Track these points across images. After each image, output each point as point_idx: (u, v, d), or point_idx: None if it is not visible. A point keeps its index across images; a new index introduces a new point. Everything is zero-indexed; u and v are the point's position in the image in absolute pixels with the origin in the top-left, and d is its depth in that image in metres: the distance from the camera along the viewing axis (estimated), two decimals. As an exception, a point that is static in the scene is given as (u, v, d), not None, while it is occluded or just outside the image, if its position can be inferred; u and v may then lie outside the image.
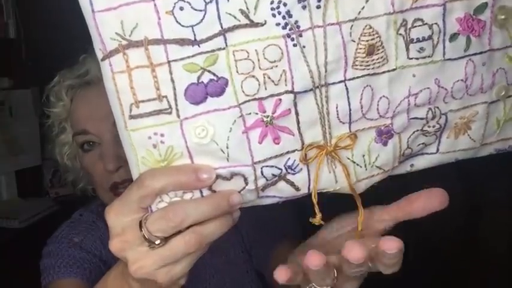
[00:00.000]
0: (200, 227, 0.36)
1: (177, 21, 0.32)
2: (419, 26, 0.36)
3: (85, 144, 0.71)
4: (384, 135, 0.39)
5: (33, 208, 1.70)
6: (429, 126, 0.40)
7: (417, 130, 0.39)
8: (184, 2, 0.32)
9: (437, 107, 0.39)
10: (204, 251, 0.38)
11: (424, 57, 0.37)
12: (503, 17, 0.38)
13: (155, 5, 0.32)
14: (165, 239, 0.35)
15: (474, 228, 1.51)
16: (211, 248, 0.46)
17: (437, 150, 0.41)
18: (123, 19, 0.32)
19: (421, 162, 0.42)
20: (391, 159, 0.39)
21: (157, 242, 0.35)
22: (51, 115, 0.76)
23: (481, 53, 0.38)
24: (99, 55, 0.34)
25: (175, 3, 0.32)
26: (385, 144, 0.39)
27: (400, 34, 0.36)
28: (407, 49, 0.36)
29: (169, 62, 0.33)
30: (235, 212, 0.38)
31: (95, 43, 0.34)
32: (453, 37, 0.37)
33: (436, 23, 0.36)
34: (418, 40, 0.36)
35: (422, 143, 0.40)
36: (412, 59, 0.37)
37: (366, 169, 0.39)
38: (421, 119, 0.39)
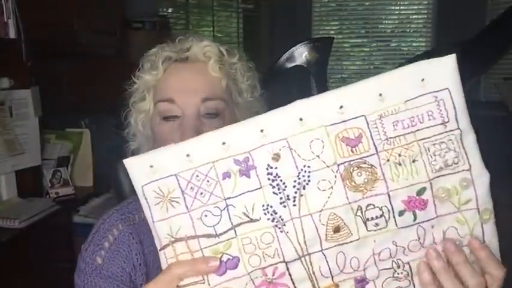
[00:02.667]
0: None
1: (204, 224, 0.50)
2: (372, 209, 0.49)
3: (166, 114, 0.74)
4: (360, 282, 0.52)
5: (33, 208, 1.70)
6: (398, 273, 0.52)
7: (389, 277, 0.52)
8: (207, 211, 0.50)
9: (400, 259, 0.51)
10: None
11: (380, 229, 0.50)
12: (443, 195, 0.49)
13: (190, 215, 0.50)
14: None
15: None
16: None
17: None
18: (171, 225, 0.51)
19: None
20: None
21: None
22: (139, 81, 0.79)
23: (428, 220, 0.50)
24: (158, 247, 0.52)
25: (202, 212, 0.50)
26: None
27: (358, 215, 0.49)
28: (366, 225, 0.50)
29: (201, 249, 0.51)
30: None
31: (155, 239, 0.52)
32: (401, 213, 0.49)
33: (385, 206, 0.49)
34: (372, 218, 0.49)
35: (399, 287, 0.52)
36: (370, 231, 0.50)
37: None
38: (389, 269, 0.51)
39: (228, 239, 0.50)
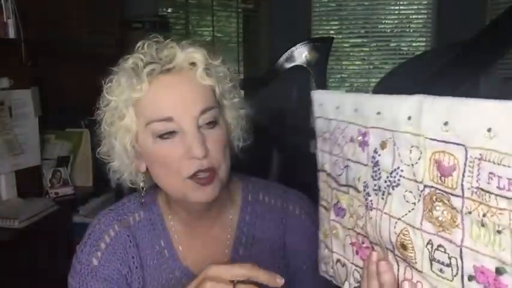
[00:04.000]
0: None
1: (334, 169, 0.58)
2: (442, 251, 0.43)
3: (165, 134, 0.69)
4: None
5: (33, 208, 1.70)
6: None
7: None
8: (337, 160, 0.57)
9: None
10: None
11: (444, 278, 0.43)
12: None
13: (329, 157, 0.59)
14: None
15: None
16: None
17: None
18: (323, 157, 0.61)
19: None
20: None
21: None
22: (117, 98, 0.70)
23: None
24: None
25: (336, 159, 0.57)
26: None
27: (427, 249, 0.44)
28: (431, 263, 0.44)
29: (331, 188, 0.59)
30: None
31: None
32: (471, 278, 0.40)
33: (454, 257, 0.41)
34: (439, 262, 0.43)
35: None
36: (434, 272, 0.44)
37: None
38: None
39: (344, 192, 0.55)
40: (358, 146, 0.51)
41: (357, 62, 4.13)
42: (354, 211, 0.54)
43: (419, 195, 0.44)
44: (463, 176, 0.39)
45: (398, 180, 0.46)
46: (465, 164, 0.39)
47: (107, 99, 0.72)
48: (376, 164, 0.49)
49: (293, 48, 2.43)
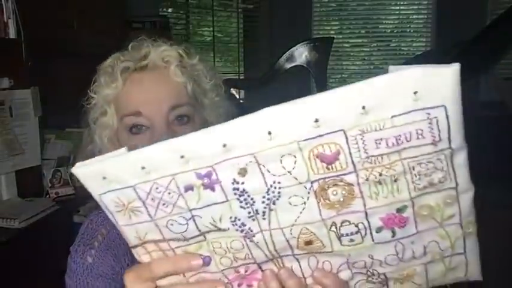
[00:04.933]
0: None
1: (170, 231, 0.48)
2: (347, 225, 0.46)
3: (133, 128, 0.72)
4: None
5: (33, 208, 1.70)
6: (373, 279, 0.50)
7: (362, 279, 0.50)
8: (173, 220, 0.47)
9: (375, 270, 0.49)
10: None
11: (355, 244, 0.47)
12: (425, 213, 0.46)
13: (155, 223, 0.47)
14: None
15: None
16: None
17: None
18: (137, 230, 0.48)
19: None
20: None
21: None
22: (98, 96, 0.75)
23: (408, 236, 0.47)
24: (129, 244, 0.50)
25: (167, 221, 0.47)
26: None
27: (332, 231, 0.46)
28: (340, 240, 0.47)
29: (172, 249, 0.49)
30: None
31: (125, 236, 0.50)
32: (379, 230, 0.46)
33: (361, 222, 0.46)
34: (347, 234, 0.46)
35: None
36: (345, 245, 0.47)
37: None
38: (363, 274, 0.50)
39: (199, 242, 0.48)
40: (204, 190, 0.45)
41: (357, 62, 4.13)
42: (223, 251, 0.49)
43: (308, 193, 0.45)
44: (350, 154, 0.43)
45: (279, 193, 0.45)
46: (348, 144, 0.42)
47: (91, 98, 0.77)
48: (242, 193, 0.45)
49: (293, 48, 2.43)
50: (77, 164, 0.45)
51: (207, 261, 0.49)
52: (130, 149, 0.75)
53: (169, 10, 3.60)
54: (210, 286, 0.50)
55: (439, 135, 0.41)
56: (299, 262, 0.49)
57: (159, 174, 0.45)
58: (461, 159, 0.43)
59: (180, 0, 3.65)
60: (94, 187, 0.46)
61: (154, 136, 0.70)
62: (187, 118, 0.72)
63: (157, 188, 0.45)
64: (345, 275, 0.50)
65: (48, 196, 1.91)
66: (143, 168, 0.44)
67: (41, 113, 1.91)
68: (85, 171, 0.46)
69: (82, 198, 1.98)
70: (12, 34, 1.82)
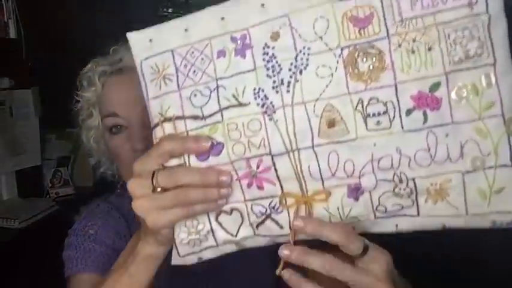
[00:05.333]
0: (190, 189, 0.46)
1: (192, 104, 0.47)
2: (375, 103, 0.43)
3: (113, 128, 0.75)
4: (354, 191, 0.45)
5: (33, 208, 1.70)
6: (400, 189, 0.44)
7: (388, 191, 0.44)
8: (197, 90, 0.47)
9: (403, 172, 0.43)
10: (187, 218, 0.48)
11: (382, 129, 0.43)
12: (462, 93, 0.41)
13: (180, 94, 0.47)
14: (165, 191, 0.46)
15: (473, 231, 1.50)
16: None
17: (418, 213, 0.45)
18: (162, 103, 0.48)
19: (404, 224, 0.46)
20: (364, 212, 0.46)
21: (159, 189, 0.46)
22: (81, 100, 0.80)
23: (441, 125, 0.42)
24: (152, 125, 0.50)
25: (191, 92, 0.47)
26: (356, 199, 0.45)
27: (358, 110, 0.43)
28: (366, 122, 0.43)
29: (187, 131, 0.48)
30: (221, 199, 0.47)
31: (150, 116, 0.50)
32: (409, 112, 0.42)
33: (390, 100, 0.42)
34: (374, 115, 0.43)
35: (399, 204, 0.45)
36: (370, 130, 0.43)
37: (342, 219, 0.46)
38: (389, 181, 0.44)
39: (214, 123, 0.46)
40: (235, 56, 0.46)
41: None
42: (238, 135, 0.46)
43: (337, 62, 0.43)
44: (384, 17, 0.42)
45: (307, 60, 0.44)
46: (382, 7, 0.42)
47: (76, 101, 0.82)
48: (270, 59, 0.45)
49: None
50: (132, 32, 0.50)
51: (218, 150, 0.46)
52: (111, 148, 0.76)
53: (170, 10, 3.60)
54: (214, 172, 0.47)
55: None
56: (318, 159, 0.44)
57: (199, 36, 0.47)
58: (500, 30, 0.41)
59: (180, 0, 3.65)
60: (139, 52, 0.49)
61: (131, 135, 0.73)
62: None
63: (192, 53, 0.47)
64: (368, 181, 0.44)
65: (48, 196, 1.91)
66: (186, 30, 0.47)
67: (41, 113, 1.91)
68: (137, 35, 0.49)
69: (82, 198, 1.98)
70: (12, 34, 1.83)
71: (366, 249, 0.45)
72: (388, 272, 0.45)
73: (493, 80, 0.41)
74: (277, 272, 0.47)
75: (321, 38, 0.43)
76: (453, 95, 0.41)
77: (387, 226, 0.46)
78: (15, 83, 1.83)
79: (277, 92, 0.44)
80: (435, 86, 0.41)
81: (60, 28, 1.89)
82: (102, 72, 0.77)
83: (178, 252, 0.51)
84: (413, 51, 0.41)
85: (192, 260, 0.51)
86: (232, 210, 0.48)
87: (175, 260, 0.51)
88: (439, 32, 0.41)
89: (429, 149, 0.42)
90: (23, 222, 1.60)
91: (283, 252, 0.46)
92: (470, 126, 0.42)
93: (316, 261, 0.45)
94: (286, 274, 0.46)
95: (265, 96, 0.45)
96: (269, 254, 0.50)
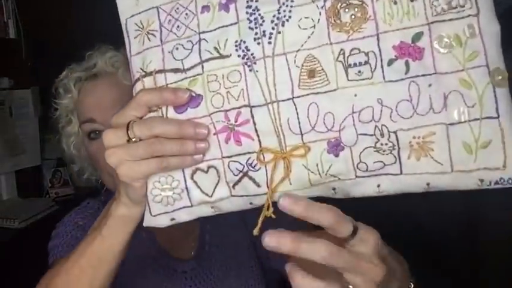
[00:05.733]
0: (165, 140, 0.45)
1: (173, 57, 0.48)
2: (356, 53, 0.42)
3: (91, 133, 0.75)
4: (334, 147, 0.43)
5: (33, 208, 1.70)
6: (381, 144, 0.42)
7: (369, 146, 0.42)
8: (179, 44, 0.47)
9: (384, 125, 0.42)
10: (161, 171, 0.46)
11: (363, 79, 0.42)
12: (444, 42, 0.40)
13: (162, 48, 0.48)
14: (139, 141, 0.46)
15: (474, 230, 1.51)
16: (218, 242, 0.59)
17: (401, 171, 0.42)
18: (144, 58, 0.49)
19: (387, 184, 0.43)
20: (345, 169, 0.44)
21: (134, 139, 0.45)
22: (59, 107, 0.80)
23: (424, 75, 0.41)
24: (132, 82, 0.50)
25: (174, 46, 0.48)
26: (336, 155, 0.43)
27: (339, 61, 0.42)
28: (347, 73, 0.42)
29: (166, 84, 0.48)
30: (198, 153, 0.46)
31: (131, 74, 0.51)
32: (391, 62, 0.41)
33: (372, 51, 0.41)
34: (355, 65, 0.42)
35: (380, 161, 0.43)
36: (352, 80, 0.42)
37: (321, 176, 0.44)
38: (370, 135, 0.42)
39: (195, 76, 0.46)
40: (218, 11, 0.46)
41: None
42: (217, 86, 0.46)
43: (319, 14, 0.43)
44: None
45: (290, 12, 0.44)
46: None
47: (54, 109, 0.82)
48: (253, 11, 0.45)
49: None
50: None
51: (197, 102, 0.46)
52: (91, 154, 0.76)
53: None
54: (192, 124, 0.46)
55: None
56: (297, 111, 0.43)
57: None
58: None
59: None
60: (125, 10, 0.51)
61: None
62: None
63: (177, 9, 0.48)
64: (348, 135, 0.43)
65: (48, 196, 1.91)
66: None
67: (40, 113, 1.91)
68: None
69: (82, 198, 1.98)
70: (12, 34, 1.83)
71: (355, 231, 0.41)
72: (378, 252, 0.42)
73: (477, 30, 0.40)
74: (255, 231, 0.45)
75: None
76: (436, 45, 0.41)
77: (369, 187, 0.44)
78: (15, 83, 1.84)
79: (258, 43, 0.44)
80: (417, 36, 0.41)
81: (60, 28, 1.89)
82: (77, 78, 0.78)
83: (150, 211, 0.49)
84: (395, 2, 0.41)
85: (164, 220, 0.49)
86: (208, 168, 0.47)
87: (147, 220, 0.50)
88: None
89: (411, 100, 0.41)
90: (23, 222, 1.60)
91: (282, 203, 0.40)
92: (454, 77, 0.40)
93: (311, 250, 0.39)
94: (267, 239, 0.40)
95: (246, 47, 0.45)
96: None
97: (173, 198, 0.48)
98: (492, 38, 0.40)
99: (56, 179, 1.95)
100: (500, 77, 0.40)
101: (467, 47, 0.40)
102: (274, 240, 0.39)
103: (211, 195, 0.48)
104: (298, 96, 0.43)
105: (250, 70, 0.44)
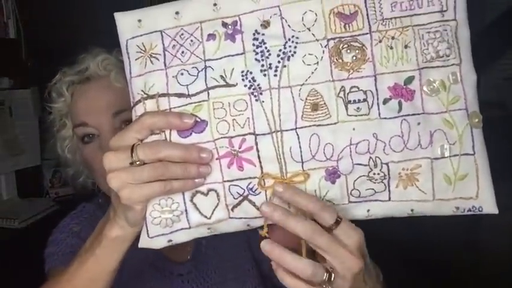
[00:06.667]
0: (170, 164, 0.45)
1: (178, 82, 0.48)
2: (355, 91, 0.46)
3: (85, 137, 0.74)
4: (332, 175, 0.47)
5: (33, 208, 1.70)
6: (374, 174, 0.47)
7: (363, 175, 0.47)
8: (185, 70, 0.48)
9: (378, 157, 0.47)
10: (164, 194, 0.47)
11: (361, 115, 0.46)
12: (431, 87, 0.46)
13: (166, 73, 0.48)
14: (143, 164, 0.45)
15: (474, 229, 1.51)
16: (214, 245, 0.63)
17: (389, 198, 0.48)
18: (146, 81, 0.49)
19: (376, 209, 0.49)
20: (339, 195, 0.48)
21: (137, 162, 0.45)
22: (53, 111, 0.80)
23: (414, 114, 0.46)
24: (131, 104, 0.50)
25: (179, 71, 0.48)
26: (333, 182, 0.47)
27: (340, 97, 0.46)
28: (347, 108, 0.46)
29: (170, 108, 0.48)
30: (199, 177, 0.47)
31: (130, 96, 0.50)
32: (386, 101, 0.46)
33: (369, 90, 0.46)
34: (355, 102, 0.46)
35: (371, 189, 0.48)
36: (351, 115, 0.46)
37: None
38: (365, 165, 0.47)
39: (199, 101, 0.48)
40: (225, 40, 0.48)
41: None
42: (223, 113, 0.47)
43: (323, 52, 0.47)
44: (367, 15, 0.47)
45: (295, 48, 0.47)
46: (366, 6, 0.47)
47: (48, 113, 0.81)
48: (260, 44, 0.47)
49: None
50: (119, 13, 0.51)
51: (202, 127, 0.47)
52: (85, 157, 0.76)
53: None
54: (195, 148, 0.46)
55: (446, 4, 0.47)
56: (299, 141, 0.47)
57: (189, 20, 0.48)
58: (464, 35, 0.48)
59: (180, 0, 3.64)
60: (126, 31, 0.50)
61: (102, 143, 0.72)
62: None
63: (182, 34, 0.49)
64: (345, 165, 0.47)
65: (48, 196, 1.91)
66: (177, 13, 0.49)
67: (41, 113, 1.91)
68: (125, 15, 0.50)
69: (82, 198, 1.98)
70: (12, 34, 1.82)
71: (338, 222, 0.45)
72: (360, 249, 0.46)
73: (459, 77, 0.47)
74: (262, 233, 0.48)
75: (309, 29, 0.47)
76: (425, 88, 0.46)
77: (359, 211, 0.49)
78: (15, 83, 1.83)
79: (264, 75, 0.47)
80: (409, 79, 0.46)
81: (60, 28, 1.89)
82: (70, 82, 0.77)
83: (148, 233, 0.50)
84: (391, 47, 0.47)
85: (161, 242, 0.50)
86: (209, 191, 0.49)
87: (144, 242, 0.50)
88: (415, 32, 0.47)
89: (403, 135, 0.46)
90: (23, 222, 1.60)
91: (264, 209, 0.46)
92: (438, 117, 0.46)
93: (299, 225, 0.45)
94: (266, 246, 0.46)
95: (252, 78, 0.47)
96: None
97: (172, 220, 0.49)
98: (471, 84, 0.47)
99: (56, 179, 1.95)
100: (476, 120, 0.47)
101: (451, 91, 0.47)
102: (270, 209, 0.45)
103: (210, 217, 0.49)
104: (301, 127, 0.47)
105: (256, 100, 0.47)
